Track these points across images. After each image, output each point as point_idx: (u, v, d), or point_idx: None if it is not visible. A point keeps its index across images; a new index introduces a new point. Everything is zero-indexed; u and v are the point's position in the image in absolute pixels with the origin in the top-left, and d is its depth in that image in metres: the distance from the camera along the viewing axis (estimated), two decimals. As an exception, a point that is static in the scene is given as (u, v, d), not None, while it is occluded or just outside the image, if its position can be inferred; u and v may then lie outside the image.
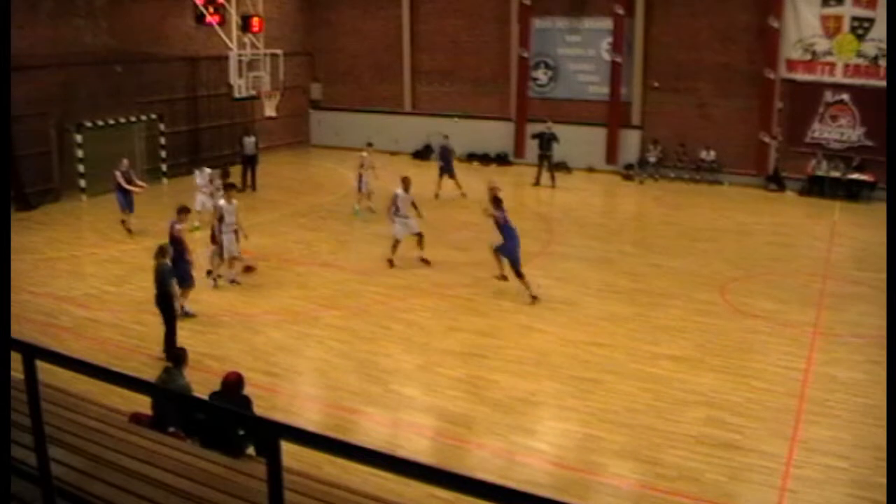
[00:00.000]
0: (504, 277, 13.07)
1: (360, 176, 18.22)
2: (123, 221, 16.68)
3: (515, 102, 24.77)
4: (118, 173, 16.62)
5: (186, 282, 12.01)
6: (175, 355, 7.57)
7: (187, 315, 11.86)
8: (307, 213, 18.11)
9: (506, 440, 8.64)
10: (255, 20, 20.07)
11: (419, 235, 14.49)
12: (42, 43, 18.54)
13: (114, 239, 16.39)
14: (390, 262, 14.40)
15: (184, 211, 12.44)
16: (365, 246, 16.04)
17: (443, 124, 24.02)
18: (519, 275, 12.70)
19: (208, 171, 17.01)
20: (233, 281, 13.71)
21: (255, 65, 20.03)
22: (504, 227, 12.75)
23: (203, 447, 5.91)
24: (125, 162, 16.91)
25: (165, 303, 10.56)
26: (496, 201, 13.01)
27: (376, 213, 17.39)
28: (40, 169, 18.89)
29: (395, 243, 14.46)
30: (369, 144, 19.45)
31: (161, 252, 10.67)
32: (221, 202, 13.68)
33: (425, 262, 14.50)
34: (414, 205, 14.62)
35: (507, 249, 12.75)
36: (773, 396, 9.59)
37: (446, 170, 20.10)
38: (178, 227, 12.10)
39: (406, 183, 14.55)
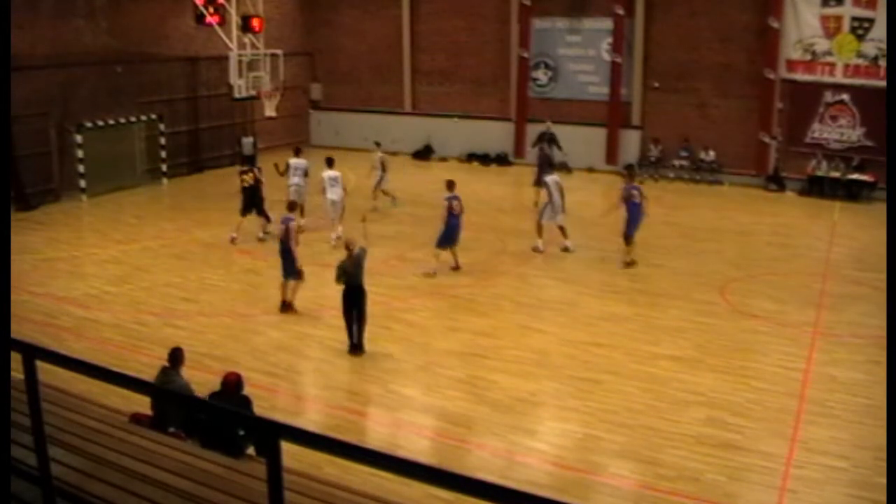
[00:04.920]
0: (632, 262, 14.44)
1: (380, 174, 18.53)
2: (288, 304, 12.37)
3: (515, 102, 24.76)
4: (286, 228, 12.08)
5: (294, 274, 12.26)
6: (172, 355, 7.56)
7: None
8: (307, 213, 18.07)
9: (506, 440, 8.64)
10: (255, 20, 20.05)
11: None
12: (42, 43, 18.54)
13: (114, 239, 16.40)
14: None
15: (294, 206, 13.02)
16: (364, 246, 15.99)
17: (443, 124, 24.05)
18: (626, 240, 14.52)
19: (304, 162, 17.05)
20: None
21: (255, 65, 20.02)
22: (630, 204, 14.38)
23: (203, 447, 5.91)
24: (295, 221, 12.61)
25: (363, 296, 10.77)
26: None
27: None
28: (40, 169, 18.89)
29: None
30: (377, 144, 19.38)
31: (351, 245, 10.88)
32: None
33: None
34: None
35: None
36: (773, 396, 9.58)
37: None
38: (292, 222, 12.25)
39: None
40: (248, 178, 15.77)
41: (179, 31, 22.56)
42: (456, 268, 14.14)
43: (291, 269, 12.11)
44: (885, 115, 15.81)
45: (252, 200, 15.76)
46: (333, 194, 15.72)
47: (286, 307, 12.20)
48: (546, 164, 18.77)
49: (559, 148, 21.55)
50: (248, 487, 4.74)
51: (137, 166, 21.48)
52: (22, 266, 13.76)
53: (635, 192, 14.36)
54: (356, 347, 10.78)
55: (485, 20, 24.96)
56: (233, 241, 15.65)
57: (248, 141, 21.46)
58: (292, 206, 12.99)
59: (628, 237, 14.44)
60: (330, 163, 16.35)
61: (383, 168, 18.46)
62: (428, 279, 13.81)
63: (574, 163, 23.29)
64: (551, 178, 15.75)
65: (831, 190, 20.65)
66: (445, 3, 25.40)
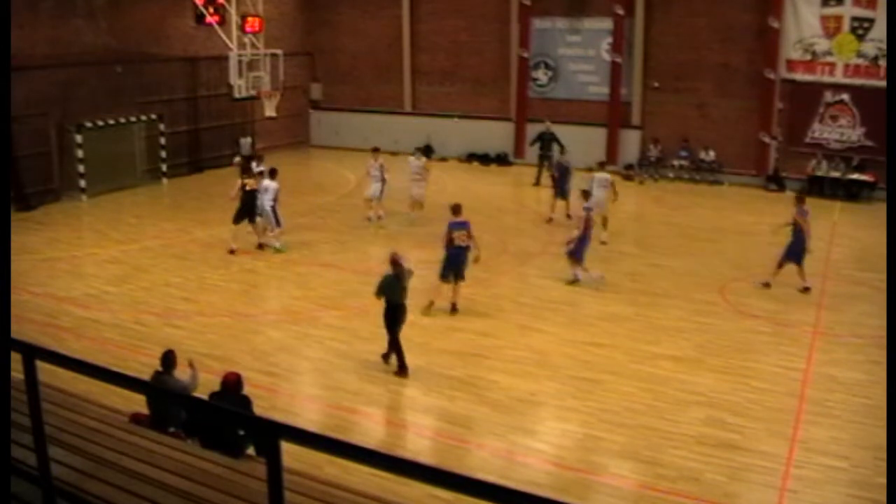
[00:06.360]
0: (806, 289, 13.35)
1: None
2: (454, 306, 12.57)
3: (515, 102, 24.76)
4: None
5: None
6: (164, 359, 7.55)
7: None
8: (307, 213, 18.10)
9: (506, 440, 8.64)
10: (255, 20, 20.06)
11: None
12: (42, 43, 18.54)
13: (114, 239, 16.39)
14: None
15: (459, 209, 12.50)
16: (365, 246, 16.04)
17: (443, 124, 23.95)
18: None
19: (381, 159, 17.45)
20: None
21: (255, 65, 20.02)
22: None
23: (203, 447, 5.91)
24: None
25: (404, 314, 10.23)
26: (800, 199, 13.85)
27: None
28: (40, 169, 18.88)
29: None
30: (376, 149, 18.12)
31: (396, 261, 10.19)
32: (275, 184, 15.03)
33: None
34: None
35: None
36: (773, 396, 9.59)
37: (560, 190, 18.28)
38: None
39: None
40: (252, 182, 15.12)
41: (179, 31, 22.56)
42: (576, 280, 13.70)
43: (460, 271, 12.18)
44: (885, 115, 15.80)
45: (250, 207, 15.03)
46: (419, 187, 16.95)
47: (454, 309, 12.21)
48: (565, 174, 18.16)
49: (561, 146, 21.55)
50: (248, 487, 4.74)
51: (137, 166, 21.47)
52: (22, 266, 13.75)
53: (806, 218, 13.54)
54: (404, 368, 10.17)
55: (485, 20, 24.95)
56: (233, 252, 15.00)
57: (245, 141, 21.47)
58: (455, 210, 12.41)
59: (797, 262, 13.43)
60: (425, 151, 17.44)
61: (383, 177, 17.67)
62: (428, 280, 13.73)
63: (574, 163, 23.22)
64: (600, 176, 16.21)
65: (831, 190, 20.65)
66: (445, 3, 25.40)
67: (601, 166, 17.34)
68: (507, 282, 13.90)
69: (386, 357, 10.41)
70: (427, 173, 17.73)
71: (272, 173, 15.26)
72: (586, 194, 14.36)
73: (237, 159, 18.06)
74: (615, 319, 12.12)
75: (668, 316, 12.29)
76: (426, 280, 13.89)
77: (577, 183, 17.35)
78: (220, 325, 11.82)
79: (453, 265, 12.22)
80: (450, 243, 12.16)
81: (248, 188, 15.06)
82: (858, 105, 20.36)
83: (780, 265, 13.43)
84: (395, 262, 10.16)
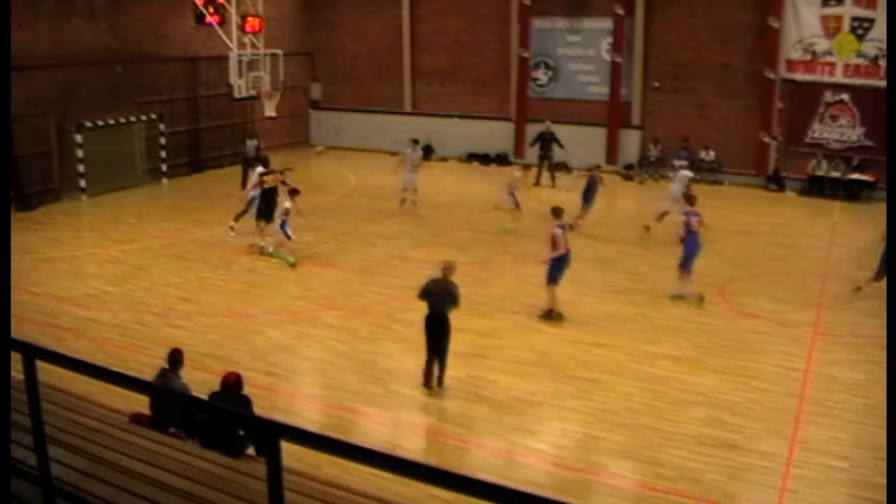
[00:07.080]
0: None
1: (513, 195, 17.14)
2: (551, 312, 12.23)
3: (515, 102, 24.77)
4: (555, 235, 11.85)
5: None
6: (171, 357, 7.54)
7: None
8: (307, 213, 18.07)
9: (506, 440, 8.64)
10: (255, 20, 20.07)
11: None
12: (42, 43, 18.54)
13: (114, 239, 16.39)
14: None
15: (560, 213, 12.23)
16: (365, 246, 16.03)
17: (443, 124, 23.89)
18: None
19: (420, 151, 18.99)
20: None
21: (255, 65, 20.02)
22: None
23: (203, 447, 5.91)
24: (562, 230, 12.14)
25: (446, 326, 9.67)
26: None
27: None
28: (40, 169, 18.88)
29: None
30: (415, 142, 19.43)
31: (448, 268, 9.80)
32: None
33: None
34: None
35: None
36: (773, 396, 9.59)
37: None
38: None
39: None
40: (271, 179, 15.00)
41: (179, 31, 22.55)
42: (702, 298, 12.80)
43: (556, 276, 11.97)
44: (885, 115, 15.80)
45: (271, 206, 14.87)
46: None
47: (549, 315, 12.00)
48: (593, 186, 17.48)
49: (560, 146, 21.56)
50: (248, 487, 4.75)
51: (137, 166, 21.47)
52: (22, 266, 13.75)
53: None
54: (436, 382, 9.75)
55: (485, 20, 24.96)
56: (232, 228, 15.70)
57: (251, 143, 21.43)
58: (557, 212, 12.21)
59: (879, 275, 12.78)
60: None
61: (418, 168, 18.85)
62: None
63: (574, 163, 23.27)
64: (683, 173, 17.33)
65: (831, 190, 20.66)
66: (445, 3, 25.40)
67: (689, 166, 18.34)
68: (507, 282, 13.89)
69: (440, 380, 9.78)
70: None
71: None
72: (690, 199, 13.69)
73: (260, 169, 17.28)
74: (615, 319, 12.12)
75: (668, 316, 12.29)
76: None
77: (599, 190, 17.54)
78: (220, 325, 11.82)
79: (563, 269, 11.97)
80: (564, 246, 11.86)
81: (266, 185, 15.03)
82: (858, 105, 20.37)
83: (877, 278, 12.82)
84: (447, 269, 9.84)
